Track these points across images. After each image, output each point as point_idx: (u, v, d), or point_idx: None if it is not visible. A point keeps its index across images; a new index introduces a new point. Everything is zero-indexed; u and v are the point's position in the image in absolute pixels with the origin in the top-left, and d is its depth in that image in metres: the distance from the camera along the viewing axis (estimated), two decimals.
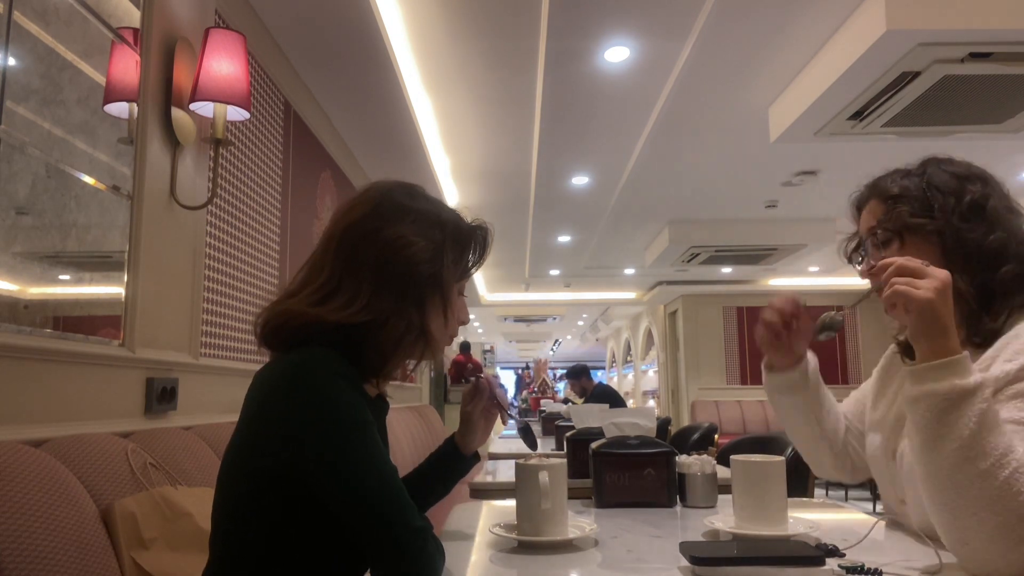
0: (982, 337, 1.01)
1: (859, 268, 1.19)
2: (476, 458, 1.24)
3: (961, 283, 1.01)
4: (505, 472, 2.06)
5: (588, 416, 2.10)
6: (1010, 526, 0.78)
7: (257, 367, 0.98)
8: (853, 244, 1.20)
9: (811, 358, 1.26)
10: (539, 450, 1.22)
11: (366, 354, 0.96)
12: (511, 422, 1.22)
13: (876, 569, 0.85)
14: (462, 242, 1.05)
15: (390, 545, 0.86)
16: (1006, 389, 0.91)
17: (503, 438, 4.01)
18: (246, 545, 0.92)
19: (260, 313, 0.99)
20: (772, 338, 1.20)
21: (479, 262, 1.09)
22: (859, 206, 1.19)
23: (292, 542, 0.91)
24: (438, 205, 1.06)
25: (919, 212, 1.06)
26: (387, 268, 0.97)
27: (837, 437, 1.28)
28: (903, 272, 0.89)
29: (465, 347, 10.62)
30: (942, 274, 0.88)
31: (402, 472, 1.05)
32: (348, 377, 0.91)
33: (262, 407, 0.92)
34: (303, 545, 0.91)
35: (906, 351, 1.18)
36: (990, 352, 0.98)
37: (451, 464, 1.23)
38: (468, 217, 1.09)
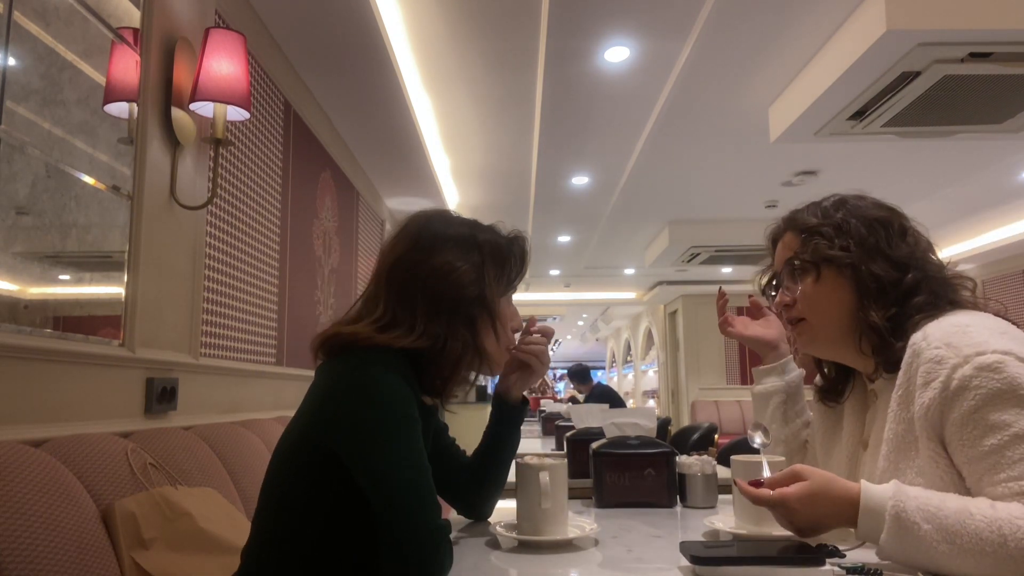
0: (893, 364, 1.02)
1: (773, 299, 1.21)
2: (526, 402, 1.28)
3: (875, 316, 1.03)
4: None
5: (588, 416, 2.10)
6: None
7: (257, 367, 1.00)
8: (767, 277, 1.22)
9: (796, 366, 1.34)
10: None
11: (428, 377, 1.03)
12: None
13: (876, 569, 0.85)
14: (500, 258, 1.10)
15: (407, 538, 0.90)
16: (947, 421, 0.92)
17: None
18: (291, 525, 0.96)
19: (319, 335, 1.05)
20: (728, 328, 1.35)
21: (521, 272, 1.15)
22: (774, 239, 1.20)
23: (338, 525, 0.95)
24: (474, 226, 1.12)
25: (836, 244, 1.08)
26: (435, 296, 1.03)
27: (796, 441, 1.31)
28: (771, 507, 0.92)
29: None
30: (784, 497, 0.89)
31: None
32: (405, 376, 0.98)
33: (321, 395, 0.98)
34: (348, 529, 0.95)
35: (828, 396, 1.21)
36: (900, 377, 0.99)
37: (510, 413, 1.25)
38: (504, 230, 1.14)
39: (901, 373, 0.99)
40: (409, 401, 0.96)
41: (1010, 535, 0.80)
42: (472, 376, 1.10)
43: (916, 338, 0.98)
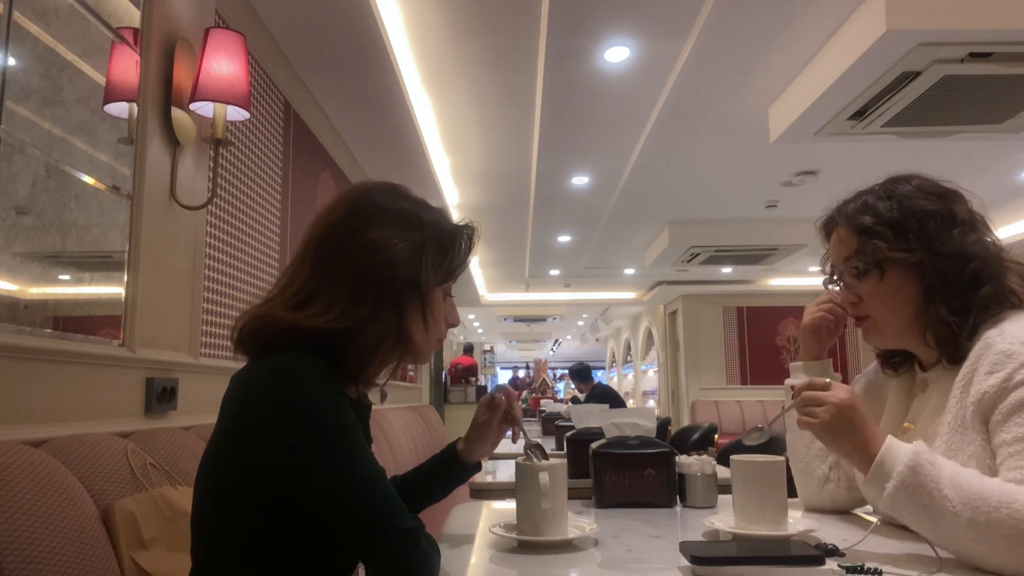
0: (959, 357, 1.04)
1: (836, 290, 1.21)
2: (478, 467, 1.23)
3: (943, 311, 1.05)
4: (505, 472, 2.06)
5: (588, 416, 2.10)
6: None
7: None
8: (828, 268, 1.22)
9: None
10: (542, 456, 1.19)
11: (345, 360, 0.95)
12: (521, 441, 1.21)
13: (876, 569, 0.85)
14: (443, 243, 1.02)
15: (380, 547, 0.86)
16: (996, 409, 0.95)
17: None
18: (229, 552, 0.90)
19: (239, 318, 0.98)
20: (819, 325, 1.28)
21: (463, 264, 1.06)
22: (827, 230, 1.21)
23: (276, 547, 0.90)
24: (420, 205, 1.03)
25: (896, 244, 1.07)
26: (365, 272, 0.95)
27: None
28: (805, 402, 0.99)
29: (468, 348, 10.64)
30: (837, 395, 0.97)
31: (399, 471, 1.04)
32: (328, 380, 0.89)
33: (241, 415, 0.90)
34: (288, 550, 0.90)
35: (885, 363, 1.23)
36: (966, 367, 1.01)
37: (451, 471, 1.21)
38: (456, 217, 1.07)
39: (967, 363, 1.01)
40: (342, 408, 0.88)
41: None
42: (393, 363, 1.01)
43: (991, 333, 1.00)
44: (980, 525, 0.84)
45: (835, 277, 1.21)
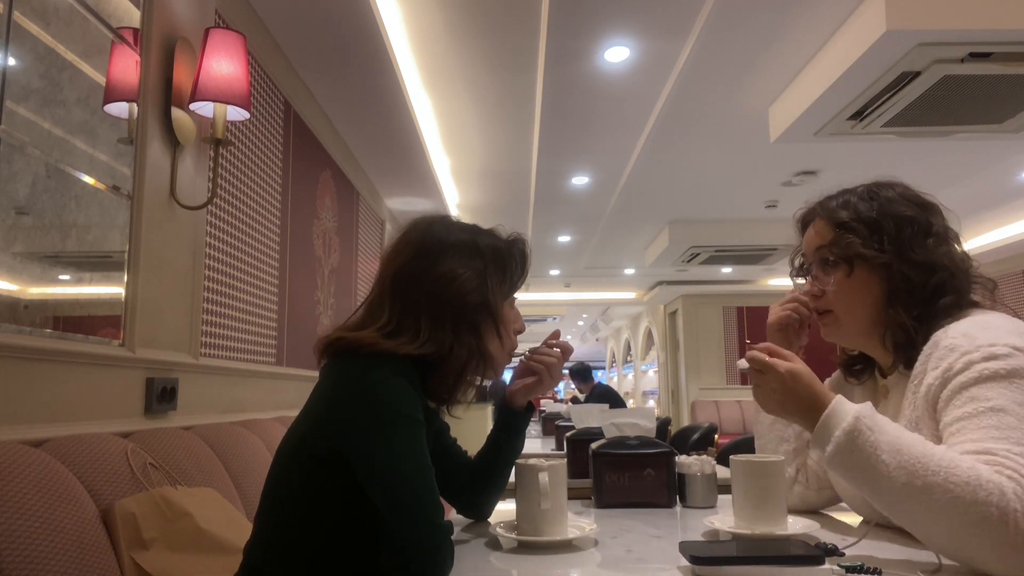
0: (913, 361, 1.05)
1: (802, 283, 1.24)
2: (531, 408, 1.29)
3: (902, 315, 1.06)
4: None
5: (588, 416, 2.10)
6: (965, 515, 0.81)
7: (257, 367, 1.00)
8: (799, 260, 1.25)
9: None
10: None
11: (433, 383, 1.04)
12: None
13: (875, 569, 0.85)
14: (502, 263, 1.12)
15: (407, 537, 0.91)
16: (940, 397, 0.97)
17: None
18: (294, 523, 0.96)
19: (319, 341, 1.06)
20: (785, 324, 1.27)
21: (523, 276, 1.16)
22: (805, 222, 1.23)
23: (340, 524, 0.96)
24: (474, 232, 1.13)
25: (870, 242, 1.10)
26: (439, 304, 1.04)
27: (802, 440, 1.30)
28: (759, 366, 0.99)
29: None
30: (783, 365, 0.96)
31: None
32: (408, 380, 0.98)
33: (327, 396, 0.99)
34: (350, 529, 0.96)
35: (847, 371, 1.24)
36: (917, 368, 1.03)
37: (512, 422, 1.27)
38: (504, 233, 1.15)
39: (918, 364, 1.03)
40: (413, 402, 0.97)
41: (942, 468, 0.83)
42: (477, 381, 1.11)
43: (938, 334, 1.02)
44: (914, 489, 0.83)
45: (803, 268, 1.23)
